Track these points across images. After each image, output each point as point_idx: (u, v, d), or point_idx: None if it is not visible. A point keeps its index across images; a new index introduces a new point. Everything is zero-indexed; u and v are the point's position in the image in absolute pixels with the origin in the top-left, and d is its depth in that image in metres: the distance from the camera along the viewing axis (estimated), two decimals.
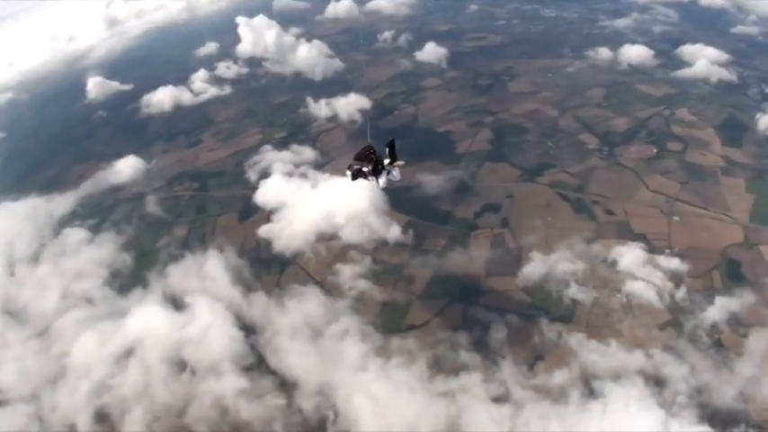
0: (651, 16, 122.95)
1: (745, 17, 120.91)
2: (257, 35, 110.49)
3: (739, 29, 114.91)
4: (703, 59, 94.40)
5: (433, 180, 66.99)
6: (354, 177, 21.27)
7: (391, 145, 21.55)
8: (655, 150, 73.09)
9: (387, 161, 21.40)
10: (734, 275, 53.83)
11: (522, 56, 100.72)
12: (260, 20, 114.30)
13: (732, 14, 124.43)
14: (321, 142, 78.08)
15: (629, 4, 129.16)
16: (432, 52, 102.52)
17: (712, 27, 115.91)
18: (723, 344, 47.95)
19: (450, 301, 52.15)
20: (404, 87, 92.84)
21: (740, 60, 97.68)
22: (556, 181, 67.09)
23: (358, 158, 21.36)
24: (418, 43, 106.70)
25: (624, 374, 45.66)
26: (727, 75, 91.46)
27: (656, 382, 45.25)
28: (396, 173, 21.57)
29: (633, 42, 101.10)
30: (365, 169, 21.04)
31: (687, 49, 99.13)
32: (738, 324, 49.28)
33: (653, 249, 56.76)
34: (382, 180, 21.31)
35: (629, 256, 55.77)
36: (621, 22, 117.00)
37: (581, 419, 42.73)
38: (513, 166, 70.18)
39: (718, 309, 50.21)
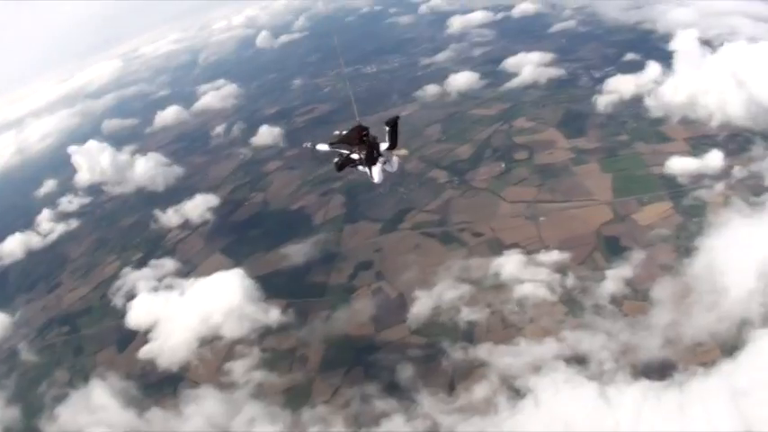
0: (469, 42, 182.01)
1: (560, 13, 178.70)
2: (92, 161, 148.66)
3: (557, 27, 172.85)
4: (528, 65, 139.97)
5: (299, 257, 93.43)
6: (341, 167, 22.91)
7: (394, 125, 23.02)
8: (503, 165, 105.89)
9: (384, 146, 23.20)
10: (615, 249, 79.72)
11: (354, 116, 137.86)
12: (91, 145, 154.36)
13: (547, 15, 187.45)
14: (179, 251, 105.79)
15: (445, 38, 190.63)
16: (267, 135, 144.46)
17: (530, 33, 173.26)
18: (628, 306, 70.91)
19: (349, 368, 71.30)
20: (248, 177, 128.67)
21: (565, 56, 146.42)
22: (417, 223, 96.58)
23: (346, 141, 23.16)
24: (252, 130, 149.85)
25: (543, 365, 64.83)
26: (556, 72, 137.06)
27: (577, 360, 64.87)
28: (394, 161, 23.78)
29: (457, 71, 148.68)
30: (355, 156, 22.80)
31: (510, 62, 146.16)
32: (637, 284, 73.17)
33: (530, 253, 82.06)
34: (377, 170, 23.35)
35: (509, 264, 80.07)
36: (442, 56, 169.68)
37: (516, 421, 59.62)
38: (373, 221, 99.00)
39: (612, 281, 73.95)
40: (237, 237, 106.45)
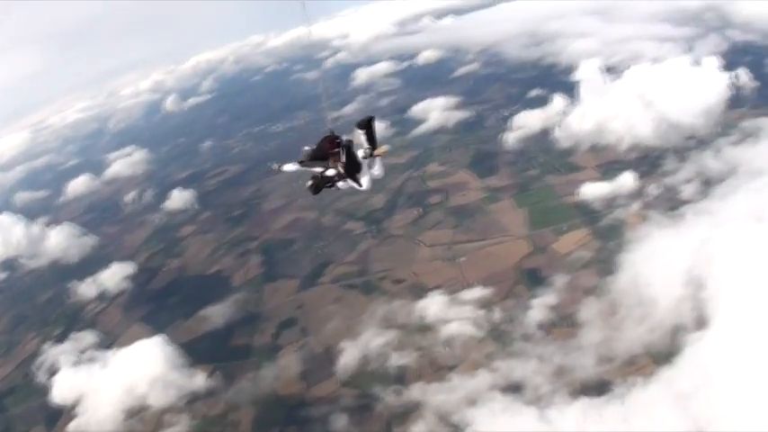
0: (375, 92, 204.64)
1: (463, 57, 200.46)
2: (5, 235, 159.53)
3: (461, 71, 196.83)
4: (435, 111, 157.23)
5: (221, 321, 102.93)
6: (317, 189, 22.36)
7: (368, 126, 22.77)
8: (418, 211, 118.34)
9: (362, 152, 23.05)
10: (537, 280, 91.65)
11: (266, 175, 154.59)
12: (3, 219, 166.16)
13: (450, 60, 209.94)
14: (99, 323, 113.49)
15: (352, 90, 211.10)
16: (179, 199, 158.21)
17: (435, 79, 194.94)
18: (557, 331, 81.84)
19: (282, 427, 79.57)
20: (162, 243, 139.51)
21: (471, 98, 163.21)
22: (337, 276, 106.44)
23: (318, 156, 22.76)
24: (163, 195, 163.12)
25: (479, 397, 74.03)
26: (463, 115, 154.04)
27: (512, 388, 74.54)
28: (377, 167, 23.61)
29: None
30: (331, 173, 22.36)
31: (417, 108, 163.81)
32: (563, 310, 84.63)
33: (453, 293, 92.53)
34: (365, 179, 23.28)
35: (433, 306, 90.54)
36: (349, 109, 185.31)
37: None
38: (292, 278, 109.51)
39: (538, 309, 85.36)
40: (157, 304, 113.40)
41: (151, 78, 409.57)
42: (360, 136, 23.64)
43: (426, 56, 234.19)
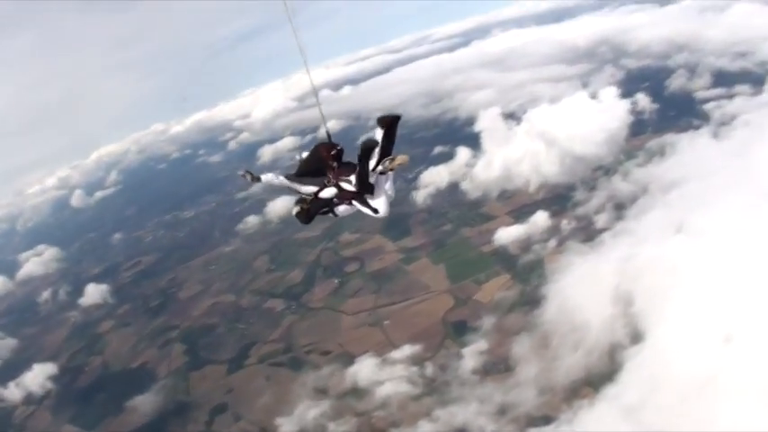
0: (282, 168, 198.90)
1: (365, 124, 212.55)
2: None
3: (365, 137, 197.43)
4: None
5: (150, 414, 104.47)
6: (309, 217, 19.30)
7: (393, 125, 18.34)
8: (337, 281, 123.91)
9: (376, 163, 18.19)
10: (465, 330, 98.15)
11: (180, 262, 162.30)
12: None
13: (354, 129, 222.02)
14: (29, 428, 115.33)
15: (258, 169, 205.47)
16: (94, 294, 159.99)
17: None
18: (493, 373, 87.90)
19: None
20: (83, 341, 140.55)
21: None
22: (263, 356, 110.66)
23: (308, 171, 19.84)
24: (78, 291, 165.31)
25: None
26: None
27: None
28: (389, 183, 18.65)
29: (275, 198, 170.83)
30: (329, 193, 19.08)
31: None
32: (495, 352, 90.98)
33: (382, 356, 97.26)
34: (380, 202, 18.49)
35: (364, 370, 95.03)
36: (258, 187, 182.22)
37: None
38: (218, 363, 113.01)
39: (470, 357, 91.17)
40: (84, 403, 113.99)
41: (56, 175, 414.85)
42: (378, 138, 18.31)
43: (329, 126, 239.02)
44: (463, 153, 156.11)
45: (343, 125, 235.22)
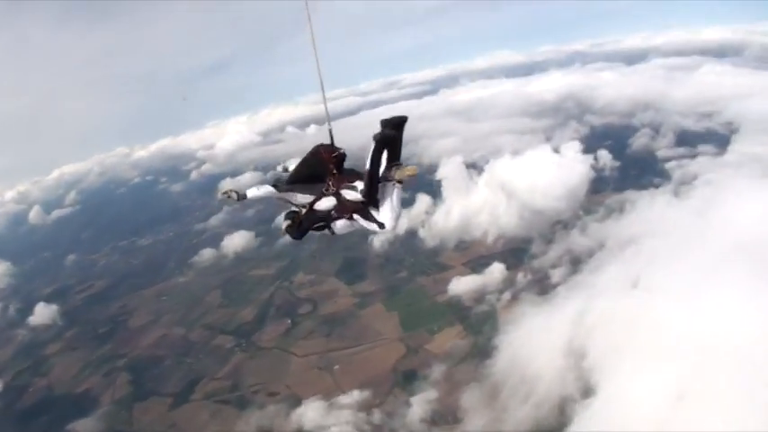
0: (242, 204, 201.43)
1: None
2: None
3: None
4: None
5: None
6: (299, 232, 18.10)
7: (400, 129, 17.21)
8: (289, 322, 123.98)
9: (385, 169, 17.35)
10: (414, 379, 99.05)
11: (133, 290, 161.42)
12: None
13: None
14: None
15: (218, 202, 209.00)
16: (44, 314, 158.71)
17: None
18: (441, 424, 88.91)
19: None
20: (29, 361, 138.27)
21: None
22: (209, 392, 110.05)
23: (304, 177, 18.19)
24: (28, 310, 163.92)
25: None
26: None
27: None
28: (395, 196, 17.53)
29: (232, 233, 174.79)
30: (327, 204, 17.74)
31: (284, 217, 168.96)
32: (444, 402, 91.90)
33: (330, 400, 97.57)
34: (387, 214, 17.47)
35: (310, 413, 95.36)
36: (216, 220, 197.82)
37: None
38: (163, 395, 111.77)
39: (419, 406, 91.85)
40: (25, 424, 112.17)
41: (15, 189, 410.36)
42: (369, 150, 16.77)
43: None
44: (423, 200, 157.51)
45: None
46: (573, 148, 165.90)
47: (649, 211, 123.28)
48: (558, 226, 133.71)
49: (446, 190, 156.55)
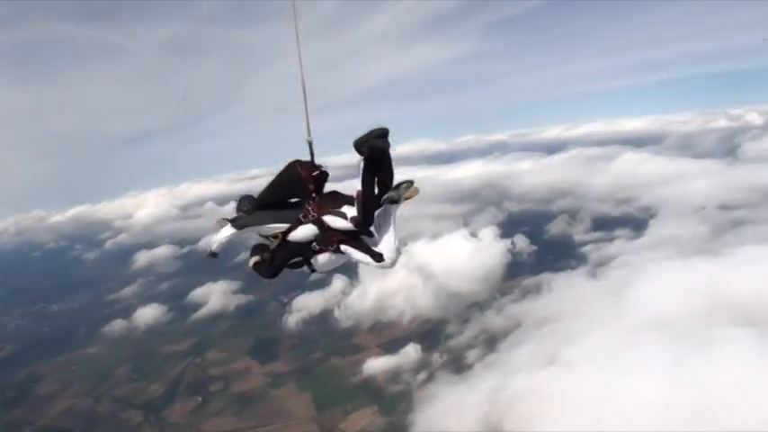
0: (156, 275, 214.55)
1: (245, 242, 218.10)
2: None
3: (243, 256, 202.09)
4: (215, 295, 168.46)
5: None
6: (272, 269, 15.52)
7: (383, 137, 14.10)
8: (200, 399, 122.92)
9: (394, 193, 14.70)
10: None
11: (42, 357, 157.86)
12: None
13: (233, 245, 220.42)
14: None
15: (132, 273, 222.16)
16: None
17: (217, 264, 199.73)
18: None
19: None
20: None
21: (252, 283, 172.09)
22: None
23: (276, 200, 15.51)
24: None
25: None
26: (244, 299, 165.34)
27: None
28: (390, 224, 14.94)
29: (144, 306, 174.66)
30: (306, 232, 14.82)
31: (197, 293, 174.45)
32: None
33: None
34: (387, 245, 14.88)
35: None
36: (129, 291, 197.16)
37: None
38: None
39: None
40: None
41: None
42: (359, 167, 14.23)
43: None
44: (339, 280, 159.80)
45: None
46: (490, 233, 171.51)
47: (566, 291, 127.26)
48: (474, 307, 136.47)
49: (363, 271, 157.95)
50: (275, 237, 15.19)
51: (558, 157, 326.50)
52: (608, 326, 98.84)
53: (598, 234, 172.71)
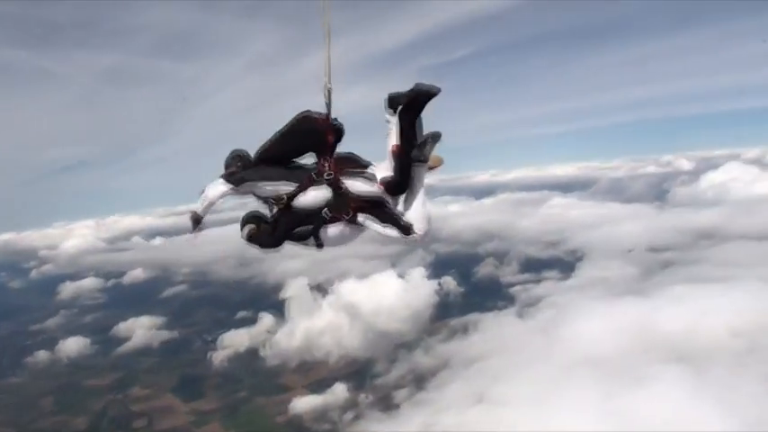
0: (80, 308, 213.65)
1: (172, 278, 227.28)
2: None
3: (169, 291, 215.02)
4: (141, 330, 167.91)
5: None
6: (273, 241, 12.93)
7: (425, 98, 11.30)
8: None
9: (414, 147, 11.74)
10: None
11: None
12: None
13: (159, 280, 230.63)
14: None
15: (56, 304, 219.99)
16: None
17: (142, 299, 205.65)
18: None
19: None
20: None
21: (178, 319, 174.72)
22: None
23: (282, 154, 12.27)
24: None
25: None
26: (169, 335, 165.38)
27: None
28: (421, 194, 12.18)
29: (68, 338, 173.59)
30: (317, 197, 12.03)
31: (122, 327, 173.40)
32: None
33: None
34: (417, 214, 12.21)
35: None
36: (52, 322, 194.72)
37: None
38: None
39: None
40: None
41: None
42: (392, 123, 11.42)
43: (134, 275, 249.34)
44: (266, 319, 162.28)
45: (149, 275, 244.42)
46: (418, 274, 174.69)
47: (494, 331, 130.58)
48: (401, 347, 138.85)
49: (290, 310, 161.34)
50: (279, 199, 12.08)
51: (486, 201, 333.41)
52: (537, 364, 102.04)
53: (526, 276, 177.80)
